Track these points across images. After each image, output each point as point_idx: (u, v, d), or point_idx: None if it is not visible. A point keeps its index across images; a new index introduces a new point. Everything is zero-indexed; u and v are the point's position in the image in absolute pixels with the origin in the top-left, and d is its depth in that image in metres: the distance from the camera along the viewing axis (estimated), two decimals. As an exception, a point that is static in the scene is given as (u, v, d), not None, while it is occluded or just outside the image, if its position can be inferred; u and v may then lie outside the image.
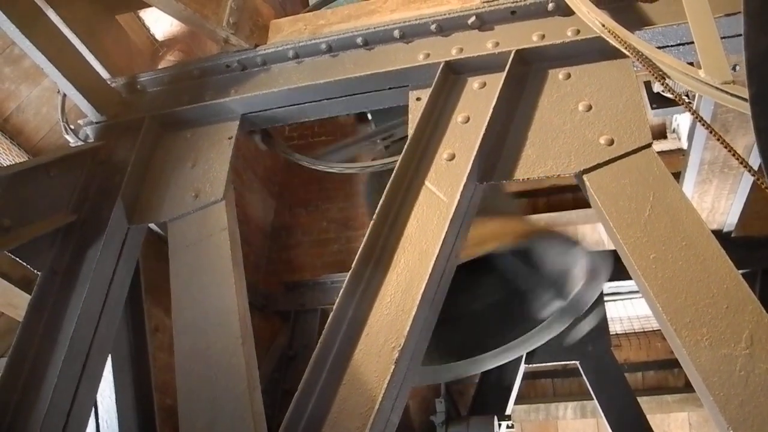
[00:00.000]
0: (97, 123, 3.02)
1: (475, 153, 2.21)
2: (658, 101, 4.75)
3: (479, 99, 2.41)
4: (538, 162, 2.23)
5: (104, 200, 2.71)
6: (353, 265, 2.07)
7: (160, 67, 4.08)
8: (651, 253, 1.96)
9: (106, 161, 2.85)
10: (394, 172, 2.25)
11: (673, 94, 2.17)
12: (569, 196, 6.23)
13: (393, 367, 1.88)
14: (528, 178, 2.22)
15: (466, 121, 2.37)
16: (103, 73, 3.15)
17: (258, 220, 5.82)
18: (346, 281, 2.05)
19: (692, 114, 2.31)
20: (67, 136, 3.28)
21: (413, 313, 1.96)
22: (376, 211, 2.17)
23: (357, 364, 1.96)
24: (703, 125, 2.15)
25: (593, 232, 6.64)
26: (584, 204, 5.99)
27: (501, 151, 2.30)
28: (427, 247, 2.09)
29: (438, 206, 2.18)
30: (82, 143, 3.04)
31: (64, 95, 3.10)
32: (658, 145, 5.94)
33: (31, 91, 4.09)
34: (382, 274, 2.10)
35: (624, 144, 2.17)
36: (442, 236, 2.07)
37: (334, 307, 2.01)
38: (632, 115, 2.22)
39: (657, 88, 4.63)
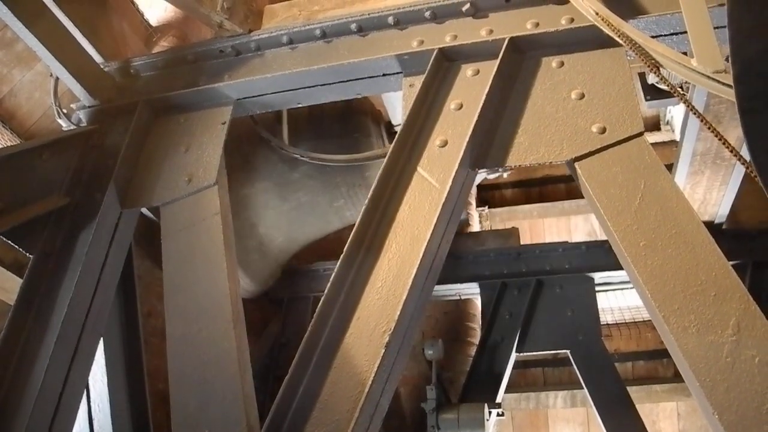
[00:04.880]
0: (90, 107, 3.01)
1: (467, 140, 2.22)
2: (652, 93, 4.76)
3: (472, 86, 2.42)
4: (530, 149, 2.24)
5: (97, 184, 2.70)
6: (345, 250, 2.08)
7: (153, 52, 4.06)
8: (641, 240, 1.97)
9: (99, 145, 2.84)
10: (387, 158, 2.25)
11: (666, 84, 2.19)
12: (562, 186, 6.26)
13: (383, 350, 1.90)
14: (520, 165, 2.23)
15: (459, 108, 2.37)
16: (97, 58, 3.13)
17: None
18: (337, 266, 2.05)
19: (685, 104, 2.32)
20: (59, 120, 3.27)
21: (404, 297, 1.97)
22: (368, 196, 2.17)
23: (347, 348, 1.97)
24: (696, 115, 2.16)
25: (585, 222, 6.68)
26: (577, 195, 6.01)
27: (493, 138, 2.31)
28: (418, 232, 2.10)
29: (430, 192, 2.18)
30: (75, 127, 3.03)
31: (57, 79, 3.09)
32: (652, 137, 5.96)
33: (24, 75, 4.06)
34: (374, 259, 2.11)
35: (616, 132, 2.18)
36: (434, 222, 2.08)
37: (325, 291, 2.02)
38: (625, 103, 2.23)
39: (651, 79, 4.64)
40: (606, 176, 2.11)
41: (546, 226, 6.85)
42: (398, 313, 1.95)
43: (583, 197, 2.23)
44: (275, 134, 3.66)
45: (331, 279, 2.04)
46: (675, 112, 5.70)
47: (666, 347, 1.89)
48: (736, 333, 1.80)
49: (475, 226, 5.74)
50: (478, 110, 2.28)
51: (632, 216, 2.02)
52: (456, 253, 4.53)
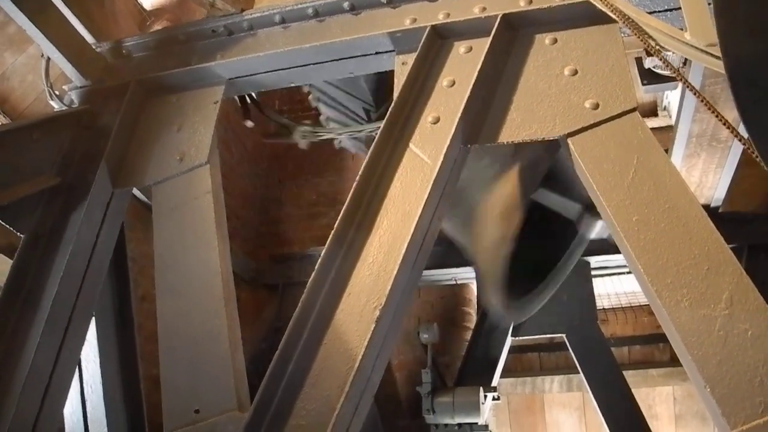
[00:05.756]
0: (81, 87, 3.00)
1: (459, 116, 2.20)
2: (649, 77, 4.73)
3: (465, 63, 2.40)
4: (522, 125, 2.22)
5: (89, 164, 2.68)
6: (335, 226, 2.06)
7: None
8: (634, 215, 1.96)
9: (91, 126, 2.83)
10: (378, 134, 2.24)
11: (663, 63, 2.17)
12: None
13: (374, 326, 1.89)
14: (513, 142, 2.21)
15: (452, 85, 2.36)
16: (88, 38, 3.10)
17: (247, 194, 5.80)
18: (328, 243, 2.04)
19: (681, 81, 2.31)
20: (51, 102, 3.24)
21: (395, 273, 1.96)
22: (359, 173, 2.16)
23: (338, 325, 1.96)
24: (693, 92, 2.15)
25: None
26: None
27: (486, 114, 2.29)
28: (410, 208, 2.09)
29: (422, 168, 2.17)
30: (67, 108, 3.01)
31: (48, 59, 3.06)
32: (649, 122, 5.94)
33: (16, 58, 4.04)
34: (365, 235, 2.09)
35: (609, 108, 2.16)
36: (425, 197, 2.07)
37: (316, 267, 2.01)
38: (618, 79, 2.22)
39: (648, 63, 4.62)
40: (599, 152, 2.09)
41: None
42: (389, 288, 1.93)
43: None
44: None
45: (321, 255, 2.02)
46: (672, 97, 5.67)
47: (663, 331, 1.88)
48: (729, 307, 1.79)
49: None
50: (470, 87, 2.26)
51: (625, 191, 2.00)
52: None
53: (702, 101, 2.14)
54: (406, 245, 1.99)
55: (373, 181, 2.19)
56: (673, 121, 5.83)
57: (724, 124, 2.17)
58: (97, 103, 2.90)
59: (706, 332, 1.76)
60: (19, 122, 2.81)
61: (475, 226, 2.96)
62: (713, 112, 2.18)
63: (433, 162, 2.16)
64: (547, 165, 2.89)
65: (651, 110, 6.25)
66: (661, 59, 2.28)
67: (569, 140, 2.14)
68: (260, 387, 1.87)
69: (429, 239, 2.17)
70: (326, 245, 2.03)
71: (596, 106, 2.17)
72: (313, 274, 1.99)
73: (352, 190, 2.13)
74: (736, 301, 1.79)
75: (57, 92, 3.22)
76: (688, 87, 2.35)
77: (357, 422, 1.94)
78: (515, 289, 3.28)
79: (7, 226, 2.56)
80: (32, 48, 4.01)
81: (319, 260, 2.01)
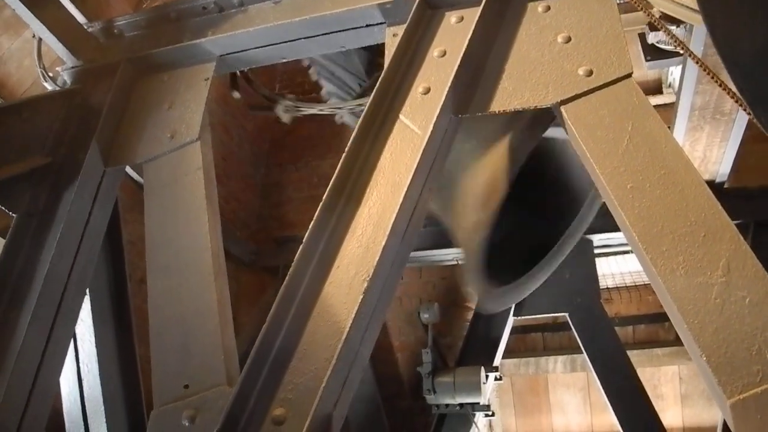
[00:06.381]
0: (73, 68, 2.98)
1: (449, 85, 2.15)
2: (652, 53, 4.66)
3: (456, 33, 2.35)
4: (515, 94, 2.18)
5: (80, 143, 2.67)
6: (324, 198, 2.02)
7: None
8: (628, 182, 1.92)
9: (82, 105, 2.81)
10: (367, 106, 2.20)
11: (663, 30, 2.12)
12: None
13: (362, 297, 1.85)
14: (504, 111, 2.17)
15: (443, 56, 2.31)
16: (80, 18, 3.09)
17: (248, 177, 5.77)
18: (316, 214, 2.00)
19: (683, 50, 2.26)
20: (45, 84, 3.23)
21: (383, 244, 1.92)
22: (348, 145, 2.12)
23: (327, 297, 1.93)
24: (695, 61, 2.10)
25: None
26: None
27: (477, 84, 2.24)
28: (399, 179, 2.05)
29: (412, 139, 2.13)
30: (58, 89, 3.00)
31: (40, 39, 3.05)
32: (653, 100, 5.85)
33: (12, 43, 4.03)
34: (354, 207, 2.06)
35: (603, 74, 2.11)
36: (414, 167, 2.02)
37: (304, 240, 1.97)
38: (612, 45, 2.16)
39: (651, 39, 4.55)
40: (593, 119, 2.04)
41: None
42: (377, 259, 1.90)
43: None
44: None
45: (309, 227, 1.99)
46: (677, 74, 5.58)
47: (652, 287, 1.84)
48: (726, 274, 1.74)
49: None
50: (460, 56, 2.21)
51: (619, 158, 1.96)
52: (453, 217, 4.47)
53: (704, 70, 2.10)
54: (394, 216, 1.95)
55: (362, 153, 2.15)
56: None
57: (728, 93, 2.13)
58: (89, 83, 2.88)
59: (703, 300, 1.72)
60: (7, 102, 2.79)
61: (456, 207, 2.91)
62: (716, 80, 2.14)
63: (423, 132, 2.11)
64: (529, 149, 2.81)
65: (656, 87, 6.16)
66: (659, 25, 2.23)
67: (562, 108, 2.09)
68: (247, 361, 1.84)
69: (419, 211, 2.13)
70: (314, 217, 2.00)
71: (590, 73, 2.12)
72: (300, 247, 1.96)
73: (340, 162, 2.09)
74: (734, 268, 1.75)
75: (51, 74, 3.21)
76: (689, 56, 2.30)
77: (346, 396, 1.91)
78: (501, 275, 3.22)
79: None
80: (29, 32, 3.99)
81: (307, 233, 1.98)
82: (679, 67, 5.05)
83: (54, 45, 2.92)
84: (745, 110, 2.00)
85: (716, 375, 1.64)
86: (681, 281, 1.76)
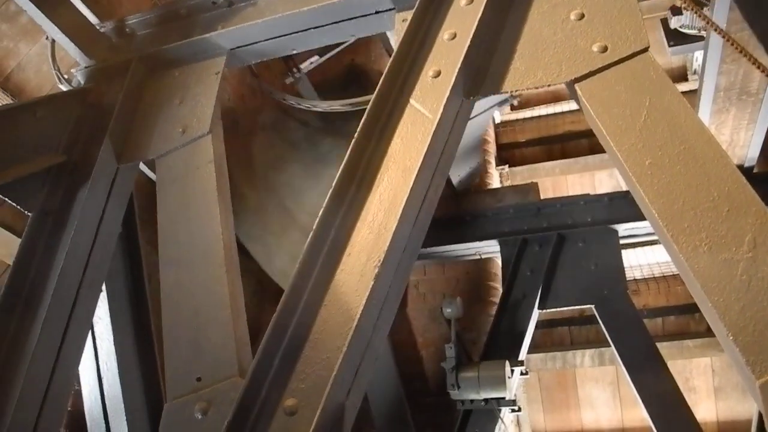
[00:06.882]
0: (86, 68, 3.00)
1: (458, 67, 2.10)
2: (676, 38, 4.54)
3: (466, 15, 2.29)
4: (527, 73, 2.12)
5: (94, 142, 2.68)
6: (334, 185, 1.98)
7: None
8: (647, 159, 1.85)
9: (96, 104, 2.82)
10: (376, 91, 2.16)
11: (689, 7, 2.05)
12: (584, 141, 6.05)
13: (373, 283, 1.81)
14: (516, 91, 2.11)
15: (453, 38, 2.25)
16: (92, 18, 3.11)
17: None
18: (326, 202, 1.97)
19: (709, 24, 2.18)
20: (61, 86, 3.25)
21: (394, 229, 1.87)
22: (357, 131, 2.08)
23: (339, 285, 1.89)
24: (721, 34, 2.03)
25: (610, 178, 6.47)
26: (600, 149, 5.83)
27: (489, 65, 2.19)
28: (410, 163, 2.00)
29: (423, 123, 2.08)
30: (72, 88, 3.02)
31: (53, 41, 3.07)
32: (679, 87, 5.72)
33: (30, 49, 4.06)
34: (365, 194, 2.01)
35: (618, 50, 2.04)
36: (425, 151, 1.98)
37: (314, 227, 1.93)
38: (627, 20, 2.09)
39: (674, 23, 4.44)
40: (608, 95, 1.98)
41: (569, 183, 6.65)
42: (388, 244, 1.85)
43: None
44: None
45: (319, 215, 1.95)
46: (702, 60, 5.46)
47: (674, 265, 1.76)
48: (752, 249, 1.67)
49: (495, 186, 5.60)
50: (470, 38, 2.16)
51: (637, 134, 1.89)
52: (474, 211, 4.42)
53: (726, 39, 2.03)
54: (405, 198, 1.91)
55: (372, 139, 2.11)
56: (703, 83, 5.62)
57: (758, 67, 2.05)
58: (102, 82, 2.89)
59: (728, 277, 1.65)
60: (22, 101, 2.81)
61: None
62: (744, 53, 2.06)
63: (433, 116, 2.07)
64: None
65: (681, 75, 6.03)
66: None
67: (576, 86, 2.03)
68: (257, 352, 1.81)
69: (432, 195, 2.09)
70: (324, 205, 1.96)
71: (604, 49, 2.05)
72: (311, 235, 1.92)
73: (350, 148, 2.05)
74: (760, 243, 1.67)
75: (66, 76, 3.23)
76: (715, 29, 2.23)
77: (359, 386, 1.87)
78: None
79: (15, 205, 2.56)
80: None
81: (317, 220, 1.94)
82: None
83: (67, 46, 2.94)
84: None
85: (744, 355, 1.56)
86: (704, 258, 1.68)
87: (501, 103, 4.12)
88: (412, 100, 2.16)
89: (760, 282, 1.63)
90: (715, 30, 1.96)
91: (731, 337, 1.59)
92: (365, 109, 2.16)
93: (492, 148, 6.14)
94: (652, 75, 1.97)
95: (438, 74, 2.18)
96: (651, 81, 1.96)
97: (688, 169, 1.80)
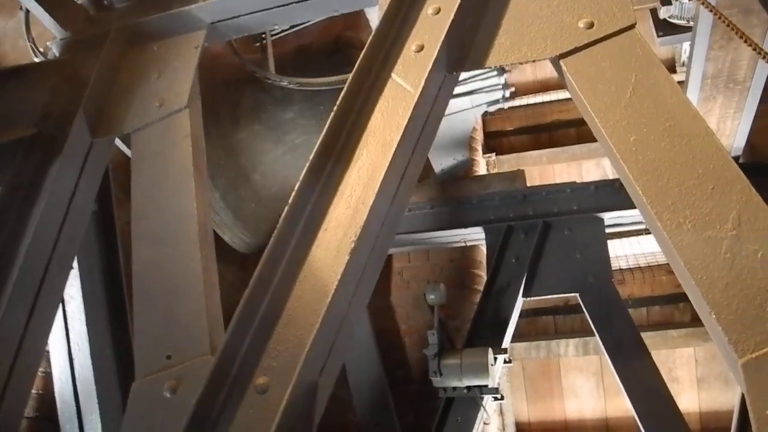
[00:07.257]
0: (62, 39, 2.90)
1: (441, 41, 2.05)
2: (665, 28, 4.51)
3: (452, -11, 2.24)
4: (511, 49, 2.08)
5: (68, 115, 2.59)
6: (311, 159, 1.93)
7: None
8: (631, 135, 1.82)
9: (71, 77, 2.73)
10: (357, 65, 2.10)
11: None
12: (572, 131, 6.02)
13: (348, 258, 1.76)
14: (502, 66, 2.07)
15: (437, 13, 2.20)
16: (69, -11, 3.02)
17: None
18: (302, 176, 1.91)
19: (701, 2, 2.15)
20: (35, 59, 3.17)
21: (371, 203, 1.82)
22: (336, 105, 2.02)
23: (314, 261, 1.84)
24: (710, 10, 1.99)
25: (597, 167, 6.44)
26: (588, 138, 5.79)
27: (473, 40, 2.15)
28: (390, 138, 1.95)
29: (404, 97, 2.03)
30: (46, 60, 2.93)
31: (28, 12, 2.98)
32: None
33: (7, 23, 3.97)
34: (343, 168, 1.96)
35: (605, 26, 2.01)
36: (404, 125, 1.92)
37: (289, 202, 1.88)
38: (615, -4, 2.04)
39: (663, 14, 4.41)
40: (594, 72, 1.94)
41: (556, 172, 6.61)
42: (364, 219, 1.80)
43: (594, 140, 2.06)
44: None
45: (294, 190, 1.89)
46: (690, 47, 5.43)
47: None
48: (737, 227, 1.64)
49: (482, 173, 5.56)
50: (453, 12, 2.11)
51: (622, 111, 1.86)
52: (460, 197, 4.36)
53: (717, 16, 1.98)
54: (383, 173, 1.86)
55: (352, 113, 2.05)
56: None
57: (745, 40, 2.01)
58: (78, 54, 2.81)
59: (712, 255, 1.62)
60: (-8, 72, 2.72)
61: None
62: (734, 29, 2.02)
63: (415, 90, 2.02)
64: None
65: (669, 67, 6.00)
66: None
67: (562, 62, 2.00)
68: (228, 327, 1.76)
69: (411, 172, 2.04)
70: (300, 178, 1.90)
71: (591, 25, 2.01)
72: (286, 209, 1.87)
73: (328, 123, 1.99)
74: (745, 221, 1.64)
75: (42, 49, 3.15)
76: (706, 6, 2.19)
77: (333, 364, 1.82)
78: None
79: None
80: (23, 12, 3.95)
81: (292, 195, 1.88)
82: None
83: (41, 16, 2.85)
84: (764, 58, 1.89)
85: (727, 333, 1.53)
86: (688, 236, 1.65)
87: (491, 104, 4.06)
88: (393, 75, 2.11)
89: (744, 260, 1.60)
90: (703, 4, 1.91)
91: (714, 316, 1.56)
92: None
93: (479, 135, 6.09)
94: (638, 51, 1.93)
95: (421, 49, 2.13)
96: (637, 57, 1.92)
97: (674, 146, 1.77)
